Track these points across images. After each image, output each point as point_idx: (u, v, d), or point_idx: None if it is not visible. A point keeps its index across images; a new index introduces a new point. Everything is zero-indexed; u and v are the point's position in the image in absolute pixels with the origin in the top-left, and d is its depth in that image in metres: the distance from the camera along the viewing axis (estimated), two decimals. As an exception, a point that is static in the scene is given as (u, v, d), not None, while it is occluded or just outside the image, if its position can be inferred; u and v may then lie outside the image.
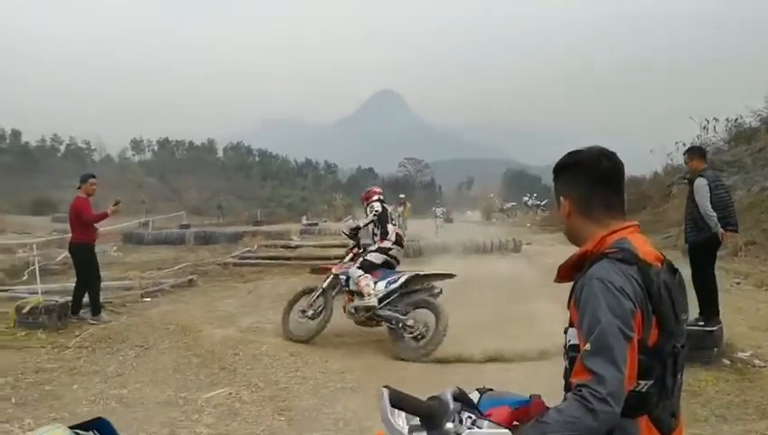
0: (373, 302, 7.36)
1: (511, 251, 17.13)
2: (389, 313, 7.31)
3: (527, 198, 45.16)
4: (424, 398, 1.73)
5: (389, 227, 7.85)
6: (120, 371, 6.75)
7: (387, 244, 7.77)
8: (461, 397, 1.78)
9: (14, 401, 5.72)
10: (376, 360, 7.06)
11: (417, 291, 7.50)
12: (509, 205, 46.05)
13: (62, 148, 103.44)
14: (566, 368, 1.77)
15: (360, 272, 7.60)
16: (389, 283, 7.41)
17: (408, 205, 32.71)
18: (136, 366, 6.92)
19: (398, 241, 7.84)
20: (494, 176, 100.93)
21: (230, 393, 5.92)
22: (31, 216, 48.11)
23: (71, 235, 9.30)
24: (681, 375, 1.76)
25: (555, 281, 1.94)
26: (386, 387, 1.64)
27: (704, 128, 23.12)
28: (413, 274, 7.53)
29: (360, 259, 7.78)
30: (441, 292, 7.60)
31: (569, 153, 1.92)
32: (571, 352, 1.72)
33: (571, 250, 1.93)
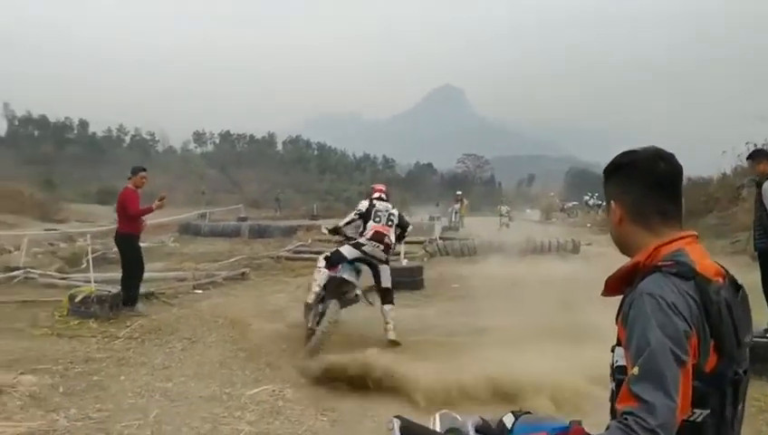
0: (310, 299, 7.21)
1: (569, 252, 16.71)
2: (311, 313, 7.15)
3: (588, 198, 44.11)
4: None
5: (370, 224, 7.58)
6: (166, 363, 6.77)
7: (362, 239, 7.49)
8: (484, 429, 1.63)
9: (61, 390, 5.77)
10: (427, 363, 6.84)
11: (345, 293, 7.21)
12: (570, 204, 45.20)
13: (128, 139, 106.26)
14: (612, 391, 1.60)
15: (322, 263, 7.39)
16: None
17: (465, 202, 32.53)
18: (182, 359, 6.93)
19: (376, 237, 7.49)
20: (556, 174, 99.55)
21: (274, 391, 5.84)
22: (95, 205, 49.54)
23: (119, 225, 9.37)
24: (743, 405, 1.56)
25: (602, 295, 1.75)
26: (397, 417, 1.49)
27: (777, 128, 22.10)
28: (332, 276, 7.19)
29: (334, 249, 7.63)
30: (357, 297, 7.33)
31: (621, 153, 1.73)
32: (618, 373, 1.55)
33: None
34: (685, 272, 1.51)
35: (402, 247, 12.87)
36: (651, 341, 1.41)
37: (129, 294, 9.11)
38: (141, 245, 9.99)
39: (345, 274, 7.18)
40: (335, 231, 8.01)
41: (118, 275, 9.49)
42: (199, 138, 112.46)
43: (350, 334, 7.71)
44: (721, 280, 1.56)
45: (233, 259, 15.37)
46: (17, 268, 12.23)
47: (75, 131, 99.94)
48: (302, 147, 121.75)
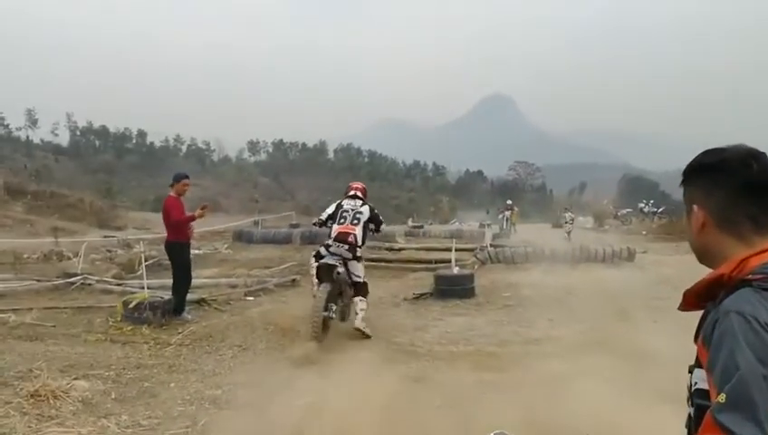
0: (313, 291, 8.18)
1: (624, 260, 16.26)
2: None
3: (643, 205, 43.10)
4: None
5: (334, 226, 8.41)
6: (216, 370, 6.80)
7: (328, 241, 8.37)
8: None
9: (113, 396, 5.84)
10: (475, 377, 6.67)
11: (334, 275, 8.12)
12: (624, 211, 44.21)
13: (184, 148, 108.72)
14: (689, 415, 1.45)
15: (312, 260, 8.50)
16: None
17: (516, 209, 32.42)
18: (232, 366, 6.95)
19: (339, 238, 8.29)
20: (608, 181, 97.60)
21: (321, 399, 5.77)
22: (152, 212, 50.70)
23: (169, 234, 9.36)
24: None
25: (680, 309, 1.58)
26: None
27: None
28: (319, 265, 8.14)
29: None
30: (340, 274, 8.12)
31: (707, 152, 1.55)
32: (697, 398, 1.40)
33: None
34: None
35: (453, 255, 12.75)
36: (741, 365, 1.25)
37: (177, 301, 9.19)
38: (196, 251, 10.08)
39: (328, 260, 8.05)
40: (319, 225, 8.92)
41: (170, 281, 9.61)
42: (253, 147, 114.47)
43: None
44: None
45: (283, 266, 15.43)
46: (75, 274, 12.51)
47: (134, 141, 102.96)
48: (353, 154, 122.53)
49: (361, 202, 8.64)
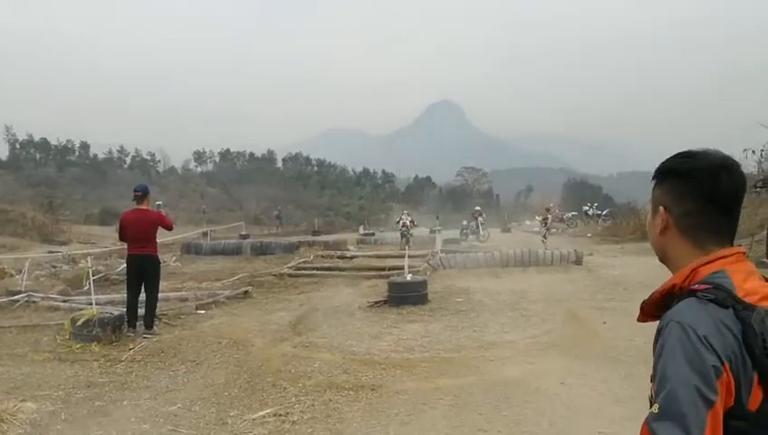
0: (402, 241, 25.53)
1: (572, 263, 16.56)
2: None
3: (588, 208, 43.85)
4: None
5: (400, 221, 26.65)
6: (170, 386, 6.65)
7: (399, 226, 26.73)
8: None
9: (63, 416, 5.67)
10: (432, 384, 6.71)
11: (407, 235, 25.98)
12: (569, 215, 44.91)
13: (128, 160, 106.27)
14: None
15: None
16: None
17: (484, 216, 32.57)
18: (186, 382, 6.81)
19: (402, 225, 26.10)
20: (553, 185, 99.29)
21: (279, 414, 5.72)
22: (98, 226, 49.41)
23: (149, 248, 9.32)
24: None
25: (638, 320, 1.58)
26: None
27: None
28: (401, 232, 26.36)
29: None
30: (408, 236, 25.97)
31: (680, 156, 1.51)
32: None
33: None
34: (721, 299, 1.33)
35: (406, 262, 12.80)
36: (675, 376, 1.26)
37: (153, 315, 9.21)
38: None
39: (403, 231, 26.12)
40: (396, 222, 28.54)
41: (119, 296, 9.42)
42: (199, 157, 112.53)
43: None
44: None
45: (235, 277, 15.25)
46: (19, 292, 12.10)
47: (77, 154, 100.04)
48: (302, 163, 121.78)
49: (407, 213, 27.39)
